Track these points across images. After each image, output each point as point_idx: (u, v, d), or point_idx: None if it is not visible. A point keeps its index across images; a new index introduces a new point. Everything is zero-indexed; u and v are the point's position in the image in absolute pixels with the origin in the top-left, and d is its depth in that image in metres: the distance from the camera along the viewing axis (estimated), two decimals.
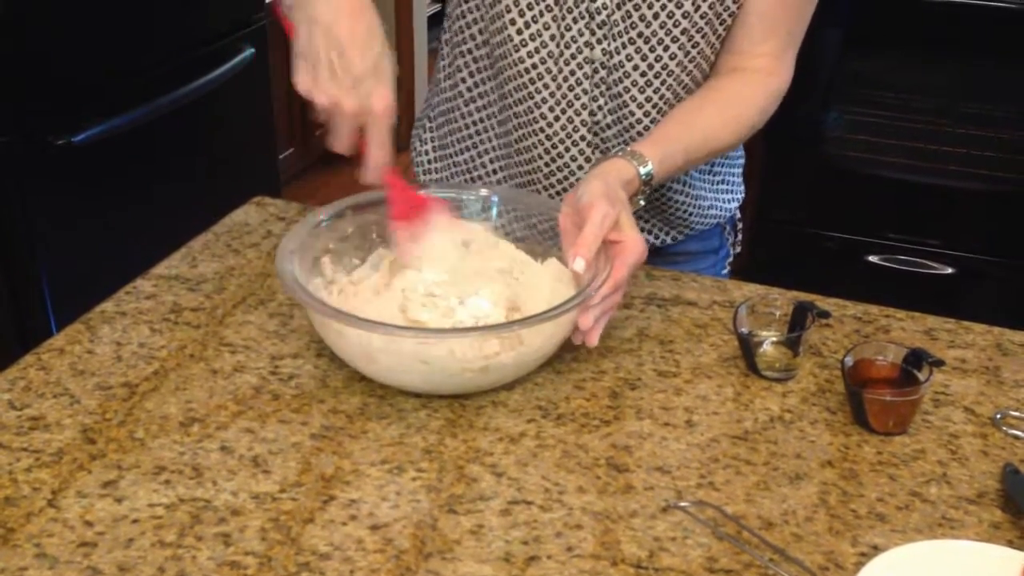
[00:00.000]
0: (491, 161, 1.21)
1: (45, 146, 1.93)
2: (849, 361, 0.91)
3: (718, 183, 1.24)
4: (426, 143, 1.26)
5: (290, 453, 0.85)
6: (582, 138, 1.12)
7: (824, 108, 2.31)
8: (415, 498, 0.80)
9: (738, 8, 1.07)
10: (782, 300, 1.00)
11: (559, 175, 1.15)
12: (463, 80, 1.19)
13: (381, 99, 0.91)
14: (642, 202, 1.04)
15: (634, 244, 0.94)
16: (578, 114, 1.11)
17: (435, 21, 4.60)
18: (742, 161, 1.29)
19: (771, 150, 2.18)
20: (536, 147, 1.14)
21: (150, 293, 1.06)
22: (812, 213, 2.38)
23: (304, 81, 0.91)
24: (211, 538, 0.76)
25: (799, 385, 0.95)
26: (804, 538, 0.78)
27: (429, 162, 1.26)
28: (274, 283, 1.08)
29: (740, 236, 1.34)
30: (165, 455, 0.84)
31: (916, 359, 0.91)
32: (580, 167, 1.14)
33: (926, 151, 2.29)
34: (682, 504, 0.81)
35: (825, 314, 0.99)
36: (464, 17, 1.16)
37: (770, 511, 0.80)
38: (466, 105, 1.20)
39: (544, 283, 0.99)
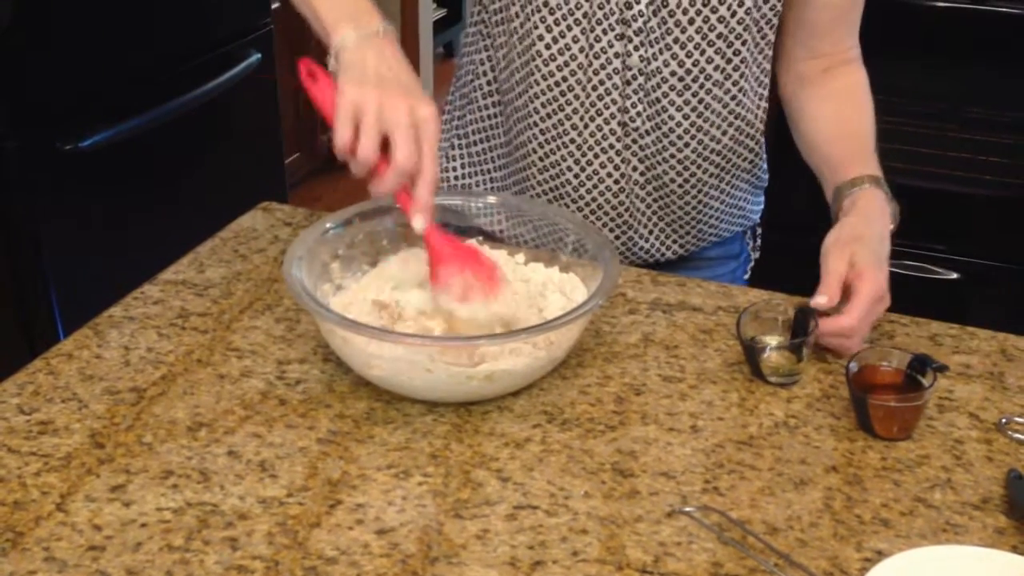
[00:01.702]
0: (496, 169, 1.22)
1: (52, 151, 1.93)
2: (853, 367, 0.91)
3: (752, 187, 1.25)
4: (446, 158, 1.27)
5: (297, 458, 0.85)
6: (611, 146, 1.13)
7: None
8: (421, 503, 0.81)
9: (775, 16, 1.09)
10: (785, 305, 1.00)
11: (588, 184, 1.15)
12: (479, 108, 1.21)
13: (428, 107, 0.91)
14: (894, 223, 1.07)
15: (872, 281, 0.97)
16: (607, 123, 1.12)
17: (441, 26, 4.60)
18: (767, 165, 1.29)
19: (776, 155, 2.18)
20: (566, 159, 1.14)
21: (158, 298, 1.07)
22: (818, 218, 2.37)
23: (343, 134, 0.90)
24: (218, 542, 0.77)
25: (804, 391, 0.96)
26: (809, 543, 0.78)
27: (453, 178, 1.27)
28: (281, 288, 1.09)
29: (760, 241, 1.34)
30: (173, 459, 0.85)
31: (920, 365, 0.91)
32: (609, 174, 1.14)
33: (931, 156, 2.29)
34: (687, 509, 0.81)
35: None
36: (481, 41, 1.17)
37: (775, 516, 0.81)
38: (475, 134, 1.22)
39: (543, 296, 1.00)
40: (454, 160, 1.26)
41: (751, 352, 0.96)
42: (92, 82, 2.02)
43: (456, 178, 1.26)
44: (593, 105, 1.11)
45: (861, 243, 1.00)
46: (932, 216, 2.32)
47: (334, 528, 0.78)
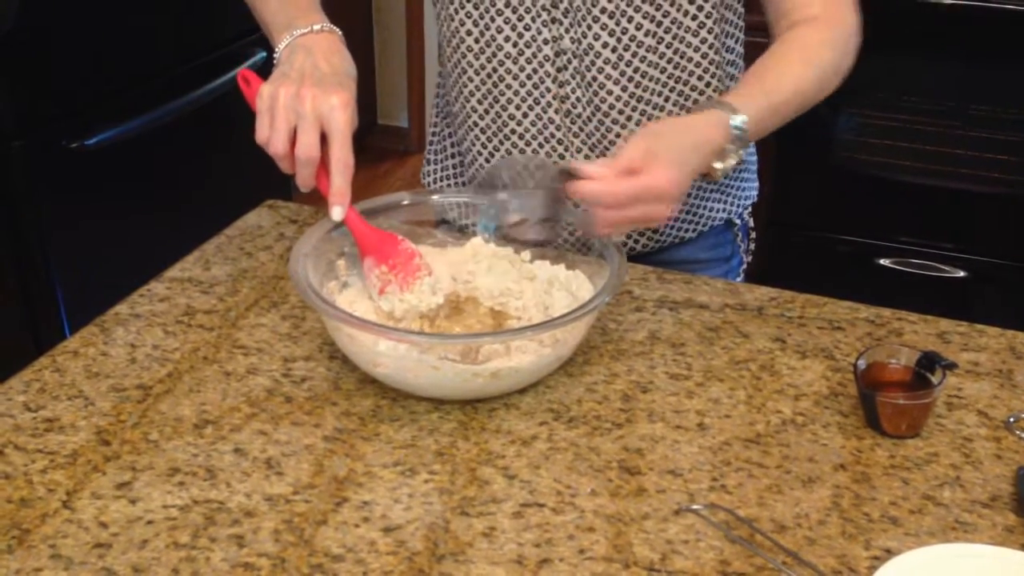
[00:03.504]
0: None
1: (58, 150, 1.94)
2: (862, 364, 0.91)
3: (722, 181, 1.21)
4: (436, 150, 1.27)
5: (303, 455, 0.85)
6: (552, 135, 1.12)
7: (835, 111, 2.30)
8: (427, 500, 0.81)
9: None
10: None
11: None
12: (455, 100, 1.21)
13: (339, 95, 0.93)
14: (732, 161, 1.00)
15: (658, 173, 0.90)
16: (546, 111, 1.11)
17: None
18: (753, 158, 1.25)
19: (782, 153, 2.18)
20: (511, 152, 1.14)
21: (163, 296, 1.07)
22: (823, 216, 2.37)
23: (258, 129, 0.95)
24: (225, 539, 0.76)
25: (811, 388, 0.95)
26: (817, 541, 0.78)
27: (437, 170, 1.27)
28: (287, 286, 1.09)
29: (753, 244, 1.30)
30: (179, 457, 0.85)
31: (929, 362, 0.91)
32: (555, 163, 1.12)
33: (937, 154, 2.28)
34: (694, 507, 0.81)
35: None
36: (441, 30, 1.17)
37: (783, 514, 0.80)
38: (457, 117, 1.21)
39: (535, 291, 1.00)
40: (428, 176, 1.28)
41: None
42: (97, 81, 2.02)
43: (433, 182, 1.28)
44: (530, 94, 1.10)
45: (663, 139, 0.95)
46: (939, 214, 2.32)
47: (340, 525, 0.78)
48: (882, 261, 2.33)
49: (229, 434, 0.87)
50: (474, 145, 1.17)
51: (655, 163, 0.90)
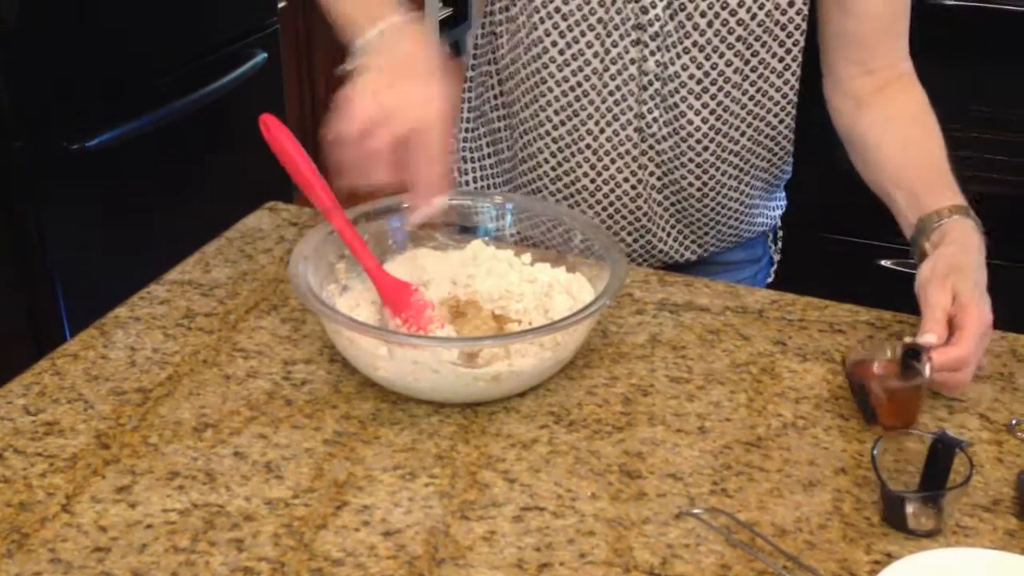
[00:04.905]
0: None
1: (58, 151, 1.93)
2: (850, 364, 0.91)
3: (772, 189, 1.24)
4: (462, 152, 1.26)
5: (303, 459, 0.85)
6: (628, 152, 1.12)
7: None
8: (427, 504, 0.81)
9: (803, 20, 1.07)
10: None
11: (605, 189, 1.14)
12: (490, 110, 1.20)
13: (431, 89, 0.90)
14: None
15: (980, 312, 0.92)
16: (623, 128, 1.11)
17: (447, 25, 4.60)
18: (791, 166, 1.27)
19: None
20: (582, 165, 1.13)
21: (164, 298, 1.07)
22: (823, 217, 2.37)
23: (343, 121, 0.88)
24: (224, 543, 0.76)
25: (812, 391, 0.95)
26: (818, 546, 0.78)
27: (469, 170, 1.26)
28: (287, 288, 1.09)
29: (780, 244, 1.33)
30: (179, 460, 0.84)
31: (914, 353, 0.89)
32: (626, 179, 1.13)
33: None
34: (695, 511, 0.80)
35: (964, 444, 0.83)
36: (490, 54, 1.16)
37: (783, 518, 0.80)
38: (488, 147, 1.21)
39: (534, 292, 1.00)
40: (466, 174, 1.26)
41: (892, 502, 0.80)
42: (98, 82, 2.02)
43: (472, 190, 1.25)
44: (609, 111, 1.10)
45: (961, 274, 0.94)
46: None
47: (340, 529, 0.78)
48: (882, 262, 2.32)
49: (229, 437, 0.87)
50: (541, 152, 1.15)
51: (970, 304, 0.92)
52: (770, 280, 1.32)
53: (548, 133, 1.14)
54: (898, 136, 1.10)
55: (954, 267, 0.95)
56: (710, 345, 1.02)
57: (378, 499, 0.81)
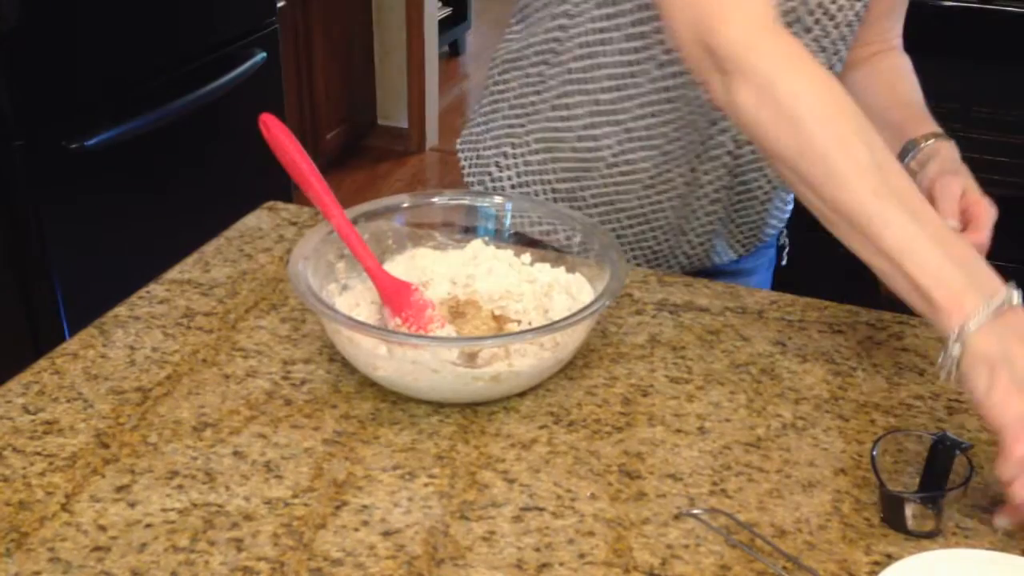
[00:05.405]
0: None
1: (58, 150, 1.94)
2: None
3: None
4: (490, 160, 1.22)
5: (302, 458, 0.85)
6: (716, 156, 1.11)
7: None
8: (427, 504, 0.81)
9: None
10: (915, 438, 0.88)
11: (659, 186, 1.13)
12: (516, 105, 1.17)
13: None
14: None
15: (987, 206, 0.95)
16: (722, 132, 1.09)
17: (445, 25, 4.60)
18: None
19: None
20: (643, 160, 1.11)
21: (163, 298, 1.07)
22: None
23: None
24: (224, 543, 0.76)
25: (812, 392, 0.95)
26: (817, 546, 0.78)
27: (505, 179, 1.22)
28: (286, 288, 1.09)
29: (787, 243, 1.34)
30: (178, 460, 0.84)
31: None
32: (681, 175, 1.12)
33: None
34: (694, 511, 0.80)
35: (969, 447, 0.80)
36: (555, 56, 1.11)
37: (783, 519, 0.80)
38: (538, 143, 1.17)
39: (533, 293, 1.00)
40: (508, 169, 1.19)
41: (893, 504, 0.79)
42: (98, 81, 2.02)
43: (512, 187, 1.19)
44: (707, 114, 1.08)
45: (965, 174, 0.99)
46: None
47: (340, 529, 0.78)
48: None
49: (228, 437, 0.87)
50: (607, 137, 1.11)
51: (981, 199, 0.96)
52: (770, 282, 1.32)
53: (596, 126, 1.10)
54: (884, 84, 1.13)
55: (959, 168, 1.00)
56: (710, 345, 1.02)
57: (377, 499, 0.81)
